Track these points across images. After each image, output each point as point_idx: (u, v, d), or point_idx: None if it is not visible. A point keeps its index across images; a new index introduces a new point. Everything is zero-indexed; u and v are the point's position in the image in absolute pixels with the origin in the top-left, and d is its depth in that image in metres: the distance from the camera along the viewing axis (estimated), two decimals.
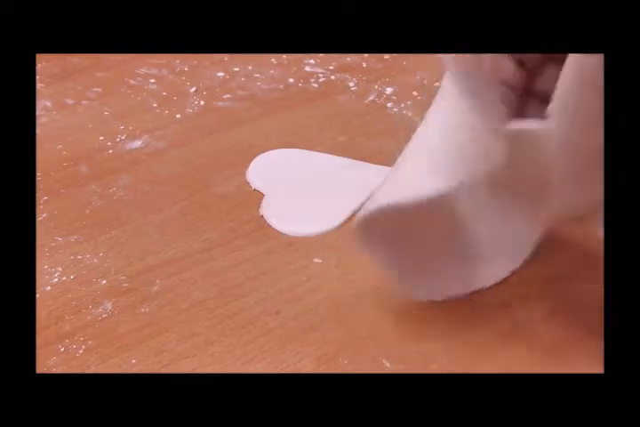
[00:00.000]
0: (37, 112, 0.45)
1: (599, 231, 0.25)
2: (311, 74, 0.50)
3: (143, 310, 0.33)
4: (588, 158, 0.26)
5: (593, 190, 0.26)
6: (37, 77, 0.49)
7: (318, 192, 0.40)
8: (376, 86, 0.48)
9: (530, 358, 0.31)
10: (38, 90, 0.47)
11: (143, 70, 0.50)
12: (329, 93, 0.48)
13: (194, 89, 0.49)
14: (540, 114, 0.27)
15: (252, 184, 0.41)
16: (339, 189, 0.40)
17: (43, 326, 0.32)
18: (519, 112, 0.29)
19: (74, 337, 0.31)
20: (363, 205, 0.39)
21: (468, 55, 0.31)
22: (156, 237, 0.37)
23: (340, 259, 0.36)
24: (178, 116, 0.46)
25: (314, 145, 0.44)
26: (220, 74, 0.50)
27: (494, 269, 0.33)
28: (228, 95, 0.48)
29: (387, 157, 0.43)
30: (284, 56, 0.52)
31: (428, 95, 0.48)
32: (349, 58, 0.51)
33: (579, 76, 0.26)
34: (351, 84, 0.49)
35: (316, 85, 0.49)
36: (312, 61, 0.51)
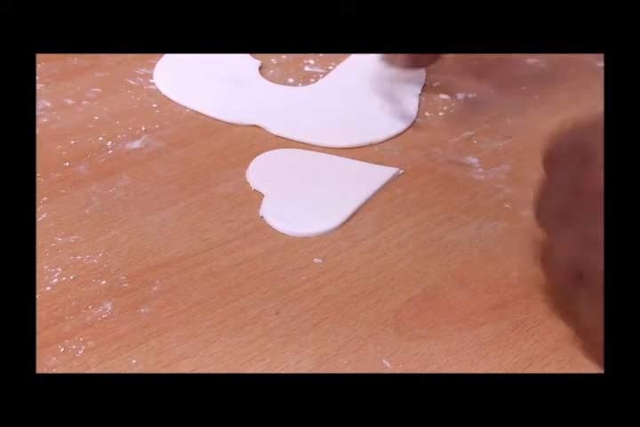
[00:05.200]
0: (37, 112, 0.45)
1: None
2: (311, 74, 0.50)
3: (143, 311, 0.33)
4: None
5: None
6: (37, 77, 0.49)
7: (318, 192, 0.40)
8: None
9: (530, 359, 0.31)
10: (38, 90, 0.47)
11: (143, 70, 0.50)
12: None
13: None
14: None
15: (251, 184, 0.41)
16: (339, 189, 0.40)
17: (42, 326, 0.32)
18: None
19: (74, 337, 0.31)
20: (362, 204, 0.39)
21: None
22: (156, 237, 0.37)
23: (340, 259, 0.36)
24: (178, 116, 0.46)
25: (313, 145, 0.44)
26: None
27: None
28: None
29: (387, 156, 0.43)
30: (284, 56, 0.52)
31: (428, 92, 0.49)
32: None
33: None
34: None
35: None
36: (312, 61, 0.51)
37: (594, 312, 0.27)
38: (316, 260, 0.36)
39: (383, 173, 0.41)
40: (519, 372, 0.31)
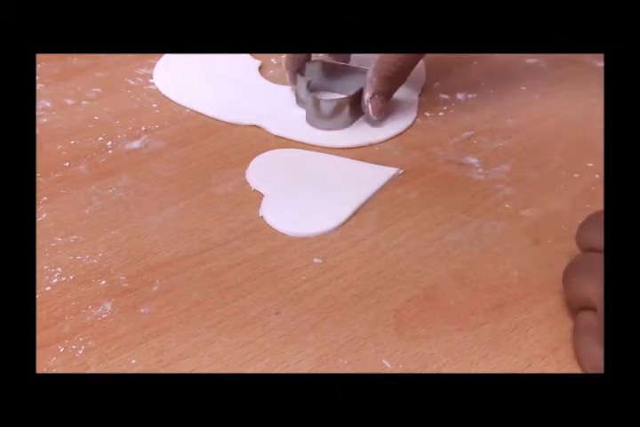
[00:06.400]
0: (37, 112, 0.45)
1: None
2: None
3: (143, 310, 0.33)
4: None
5: None
6: (37, 77, 0.49)
7: (318, 192, 0.40)
8: None
9: (530, 358, 0.31)
10: (38, 90, 0.47)
11: (143, 70, 0.50)
12: None
13: None
14: None
15: (251, 184, 0.41)
16: (338, 189, 0.40)
17: (42, 326, 0.32)
18: None
19: (73, 337, 0.31)
20: (362, 204, 0.39)
21: None
22: (156, 237, 0.37)
23: (340, 259, 0.36)
24: (178, 116, 0.46)
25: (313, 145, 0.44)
26: None
27: None
28: None
29: (387, 156, 0.43)
30: (284, 56, 0.52)
31: (428, 92, 0.49)
32: None
33: None
34: None
35: None
36: None
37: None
38: (315, 260, 0.36)
39: (383, 173, 0.41)
40: (519, 372, 0.31)
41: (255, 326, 0.32)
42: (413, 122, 0.46)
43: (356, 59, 0.49)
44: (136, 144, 0.43)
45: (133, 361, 0.30)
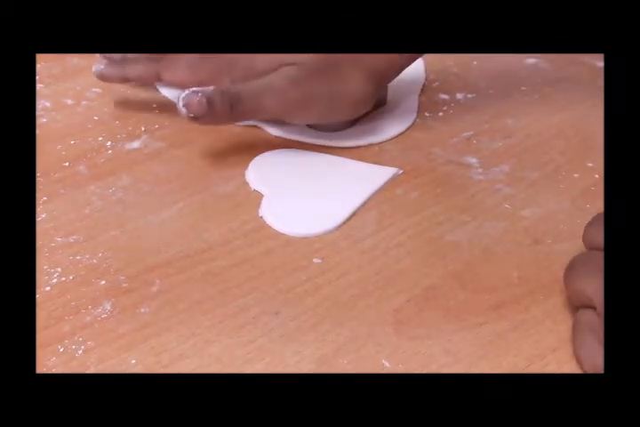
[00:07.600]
0: (37, 112, 0.45)
1: None
2: None
3: (143, 310, 0.33)
4: None
5: None
6: (37, 77, 0.49)
7: (318, 192, 0.40)
8: None
9: (530, 358, 0.31)
10: (38, 90, 0.47)
11: None
12: None
13: None
14: None
15: (251, 184, 0.41)
16: (338, 189, 0.40)
17: (42, 326, 0.32)
18: None
19: (73, 338, 0.31)
20: (362, 204, 0.39)
21: None
22: (156, 237, 0.37)
23: (339, 259, 0.36)
24: (178, 116, 0.46)
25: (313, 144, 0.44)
26: None
27: None
28: None
29: (387, 156, 0.43)
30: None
31: (428, 92, 0.49)
32: None
33: None
34: None
35: None
36: None
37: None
38: (315, 260, 0.36)
39: (383, 173, 0.41)
40: (519, 372, 0.31)
41: (255, 326, 0.32)
42: (413, 122, 0.46)
43: None
44: (136, 144, 0.43)
45: (133, 361, 0.30)
